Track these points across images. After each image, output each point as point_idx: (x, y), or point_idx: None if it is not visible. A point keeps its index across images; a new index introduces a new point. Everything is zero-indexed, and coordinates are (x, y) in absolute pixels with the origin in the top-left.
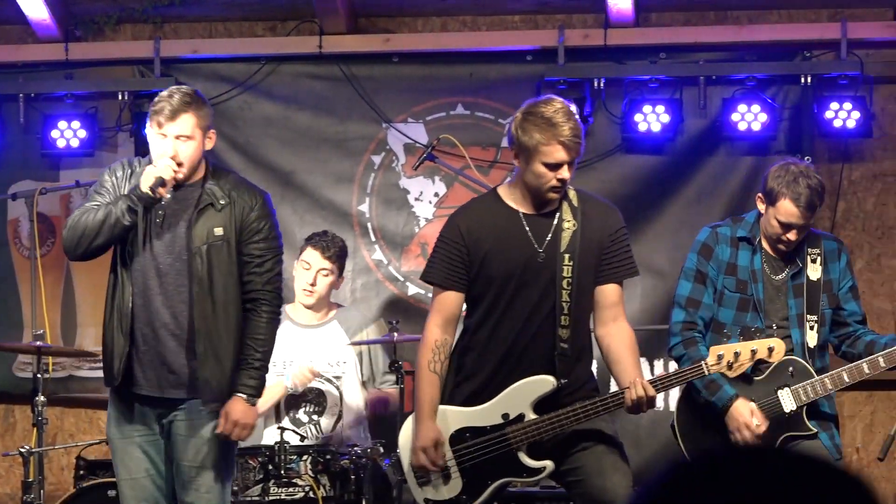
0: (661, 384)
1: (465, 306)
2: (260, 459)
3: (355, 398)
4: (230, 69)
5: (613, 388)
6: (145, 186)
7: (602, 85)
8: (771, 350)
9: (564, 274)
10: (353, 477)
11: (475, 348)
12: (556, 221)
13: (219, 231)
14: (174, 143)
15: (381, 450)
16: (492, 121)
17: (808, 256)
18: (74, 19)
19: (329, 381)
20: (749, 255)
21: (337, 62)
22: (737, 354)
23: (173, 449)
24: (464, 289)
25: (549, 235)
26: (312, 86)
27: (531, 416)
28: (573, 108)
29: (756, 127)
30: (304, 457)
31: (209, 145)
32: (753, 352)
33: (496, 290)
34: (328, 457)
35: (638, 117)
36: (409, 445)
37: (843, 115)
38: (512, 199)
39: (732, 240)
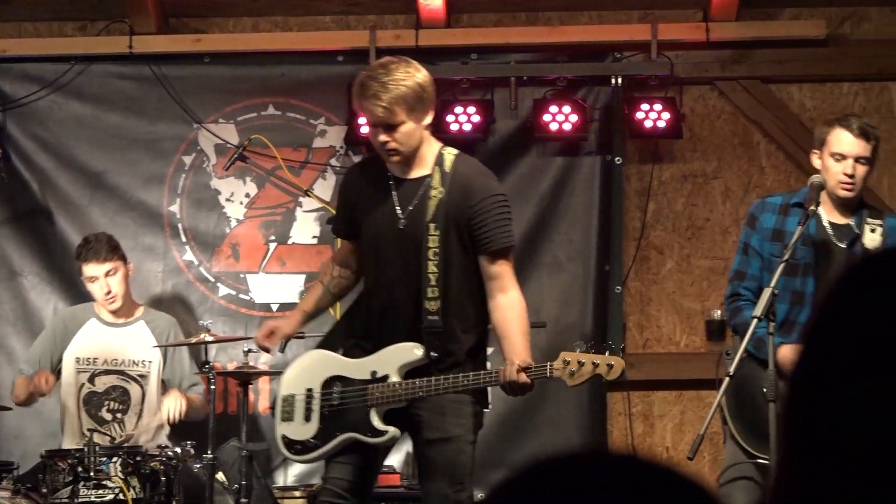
0: (531, 374)
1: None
2: (69, 461)
3: (157, 399)
4: (40, 69)
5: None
6: None
7: None
8: (610, 367)
9: (430, 244)
10: (163, 478)
11: (361, 304)
12: (423, 189)
13: None
14: None
15: (192, 451)
16: (303, 121)
17: (868, 226)
18: None
19: (133, 379)
20: (797, 221)
21: (147, 62)
22: (580, 364)
23: None
24: (351, 237)
25: (415, 203)
26: (123, 86)
27: (396, 378)
28: (397, 69)
29: (567, 127)
30: (114, 458)
31: None
32: (595, 365)
33: (367, 251)
34: (138, 458)
35: (449, 118)
36: (293, 381)
37: (653, 115)
38: None
39: (783, 207)
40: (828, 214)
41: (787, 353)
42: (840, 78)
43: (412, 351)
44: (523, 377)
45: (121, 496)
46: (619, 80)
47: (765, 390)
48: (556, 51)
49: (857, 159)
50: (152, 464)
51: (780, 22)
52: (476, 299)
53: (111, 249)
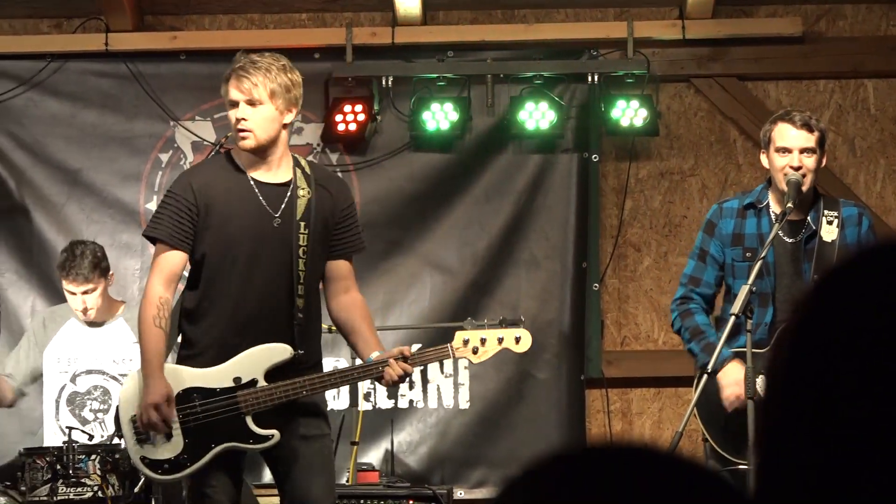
0: (413, 362)
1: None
2: (48, 459)
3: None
4: (15, 66)
5: None
6: None
7: (390, 83)
8: (518, 339)
9: (301, 242)
10: (142, 476)
11: (207, 315)
12: (290, 189)
13: None
14: None
15: None
16: None
17: (825, 219)
18: None
19: (114, 378)
20: (756, 222)
21: (123, 60)
22: (483, 340)
23: None
24: (188, 248)
25: (285, 203)
26: (99, 84)
27: (263, 382)
28: (273, 58)
29: (544, 125)
30: (93, 456)
31: None
32: (500, 339)
33: (229, 255)
34: (117, 456)
35: (426, 115)
36: (134, 401)
37: (629, 113)
38: (244, 160)
39: (738, 211)
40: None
41: (730, 375)
42: (816, 75)
43: (279, 351)
44: (408, 367)
45: (99, 494)
46: (596, 78)
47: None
48: (533, 48)
49: (803, 151)
50: (131, 461)
51: (757, 20)
52: (318, 298)
53: (93, 268)
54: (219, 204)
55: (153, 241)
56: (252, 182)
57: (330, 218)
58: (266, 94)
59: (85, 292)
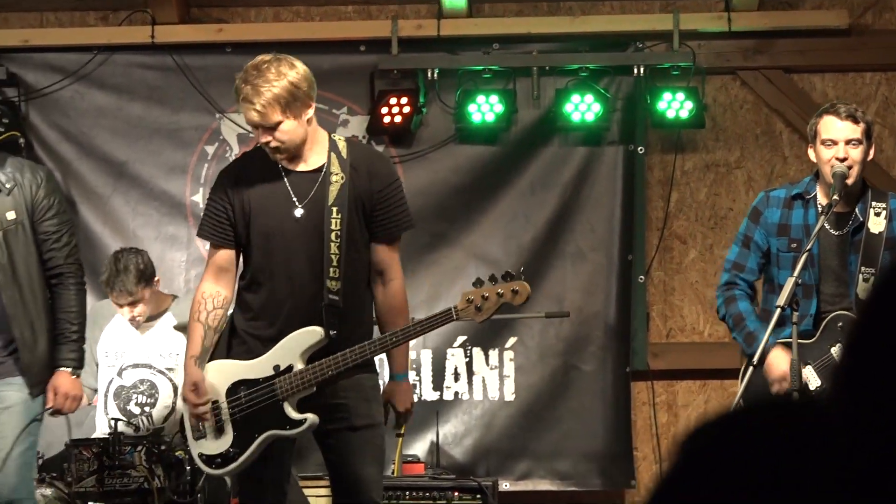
0: (415, 331)
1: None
2: (94, 450)
3: None
4: (62, 59)
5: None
6: None
7: (436, 75)
8: (515, 293)
9: (333, 227)
10: (188, 468)
11: (249, 307)
12: (321, 176)
13: (11, 215)
14: None
15: None
16: (326, 111)
17: (872, 210)
18: None
19: (161, 372)
20: (802, 213)
21: (170, 52)
22: (484, 297)
23: None
24: (233, 244)
25: (314, 191)
26: (145, 76)
27: (300, 366)
28: (268, 69)
29: (589, 117)
30: (139, 447)
31: None
32: (499, 294)
33: (262, 247)
34: (163, 447)
35: (472, 107)
36: None
37: (675, 105)
38: None
39: (785, 201)
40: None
41: (776, 369)
42: (862, 68)
43: (312, 334)
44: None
45: (145, 485)
46: (642, 70)
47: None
48: (578, 41)
49: (848, 142)
50: (177, 452)
51: (803, 12)
52: (367, 281)
53: (137, 281)
54: (251, 198)
55: (202, 239)
56: (282, 172)
57: (367, 201)
58: (278, 112)
59: (131, 304)
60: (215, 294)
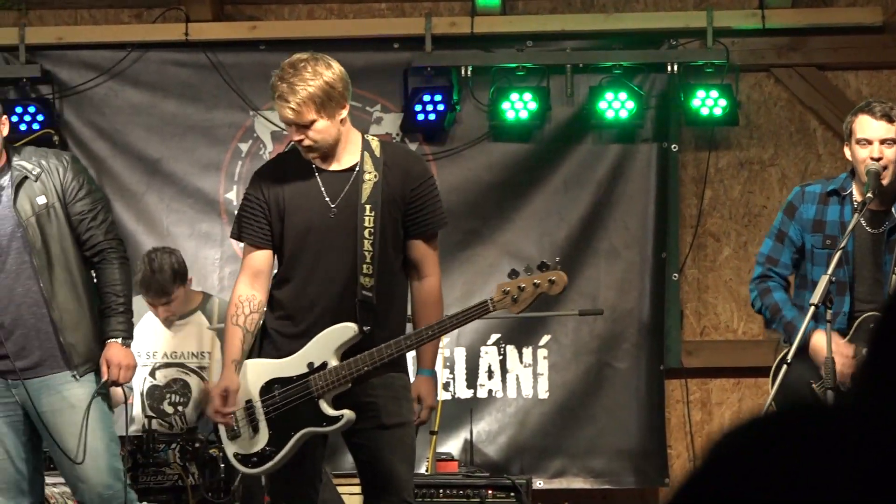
0: (451, 324)
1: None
2: (128, 448)
3: None
4: (96, 56)
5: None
6: None
7: (469, 73)
8: (552, 283)
9: (367, 224)
10: (222, 465)
11: (280, 305)
12: (354, 175)
13: (42, 199)
14: None
15: None
16: (359, 108)
17: None
18: None
19: (194, 371)
20: (839, 209)
21: (203, 49)
22: (521, 288)
23: (48, 427)
24: (269, 244)
25: (346, 189)
26: (179, 73)
27: (334, 363)
28: (304, 68)
29: (623, 115)
30: (173, 445)
31: (4, 131)
32: (536, 285)
33: (295, 246)
34: (197, 445)
35: (505, 105)
36: None
37: (709, 102)
38: None
39: (821, 196)
40: (872, 192)
41: (822, 343)
42: None
43: (345, 330)
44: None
45: (179, 482)
46: (675, 68)
47: (814, 384)
48: (612, 38)
49: (883, 142)
50: (211, 450)
51: (837, 9)
52: (403, 278)
53: (172, 281)
54: (286, 197)
55: (237, 240)
56: (315, 171)
57: (400, 199)
58: (313, 112)
59: (165, 303)
60: (251, 298)
